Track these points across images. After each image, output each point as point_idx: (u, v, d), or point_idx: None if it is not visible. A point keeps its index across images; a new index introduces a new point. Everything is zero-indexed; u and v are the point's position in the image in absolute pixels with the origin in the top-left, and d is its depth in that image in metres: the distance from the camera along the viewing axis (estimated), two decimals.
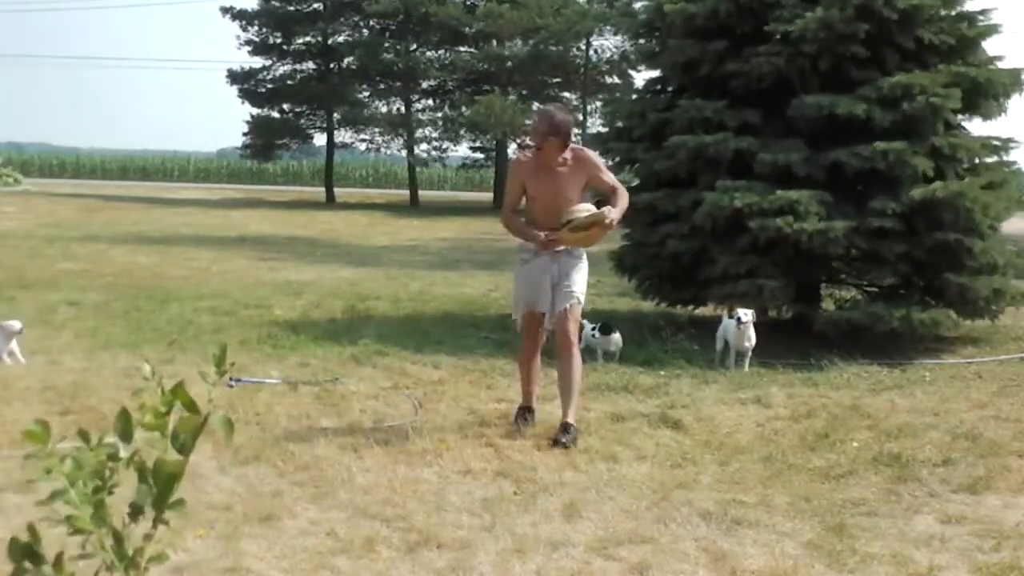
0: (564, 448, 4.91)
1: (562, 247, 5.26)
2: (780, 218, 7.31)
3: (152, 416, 1.63)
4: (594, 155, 5.47)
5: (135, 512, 1.64)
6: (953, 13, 8.20)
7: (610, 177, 5.39)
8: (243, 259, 14.53)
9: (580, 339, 5.72)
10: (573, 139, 5.29)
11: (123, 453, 1.62)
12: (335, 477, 4.38)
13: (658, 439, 5.21)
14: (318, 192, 37.70)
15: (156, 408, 1.64)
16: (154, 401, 1.64)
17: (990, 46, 8.47)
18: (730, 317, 7.21)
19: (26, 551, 1.56)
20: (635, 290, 9.01)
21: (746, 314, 7.04)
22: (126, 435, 1.64)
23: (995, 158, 8.38)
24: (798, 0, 7.95)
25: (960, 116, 8.31)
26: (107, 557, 1.58)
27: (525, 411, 5.43)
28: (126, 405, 1.70)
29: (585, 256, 5.40)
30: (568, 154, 5.22)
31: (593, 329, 7.22)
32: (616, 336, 7.27)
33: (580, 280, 5.33)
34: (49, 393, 5.72)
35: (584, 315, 6.00)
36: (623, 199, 5.26)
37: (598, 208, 5.22)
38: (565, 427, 5.10)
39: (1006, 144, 8.33)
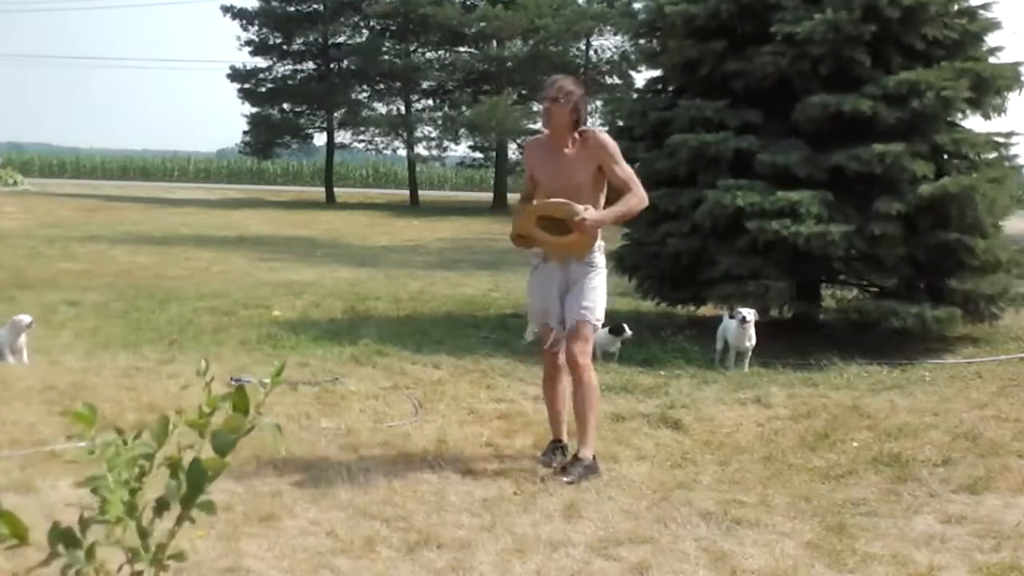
0: (568, 484, 4.36)
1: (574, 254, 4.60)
2: (777, 221, 7.31)
3: (197, 416, 1.64)
4: (606, 138, 4.67)
5: (161, 507, 1.65)
6: (955, 8, 8.16)
7: (625, 170, 4.65)
8: (243, 259, 14.53)
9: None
10: (584, 119, 4.62)
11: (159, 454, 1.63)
12: (335, 477, 4.38)
13: (658, 439, 5.21)
14: (318, 192, 37.71)
15: (201, 408, 1.65)
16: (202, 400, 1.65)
17: (990, 41, 8.47)
18: (731, 316, 7.20)
19: (64, 536, 1.57)
20: (635, 290, 9.00)
21: (750, 313, 7.04)
22: (161, 436, 1.65)
23: (995, 154, 8.38)
24: (800, 1, 7.94)
25: (962, 114, 8.31)
26: (134, 546, 1.59)
27: (556, 445, 4.77)
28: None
29: (603, 263, 4.71)
30: (576, 135, 4.62)
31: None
32: (624, 335, 7.26)
33: (593, 292, 4.58)
34: (49, 393, 5.71)
35: None
36: (631, 201, 4.60)
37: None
38: (575, 459, 4.57)
39: (1008, 139, 8.33)
